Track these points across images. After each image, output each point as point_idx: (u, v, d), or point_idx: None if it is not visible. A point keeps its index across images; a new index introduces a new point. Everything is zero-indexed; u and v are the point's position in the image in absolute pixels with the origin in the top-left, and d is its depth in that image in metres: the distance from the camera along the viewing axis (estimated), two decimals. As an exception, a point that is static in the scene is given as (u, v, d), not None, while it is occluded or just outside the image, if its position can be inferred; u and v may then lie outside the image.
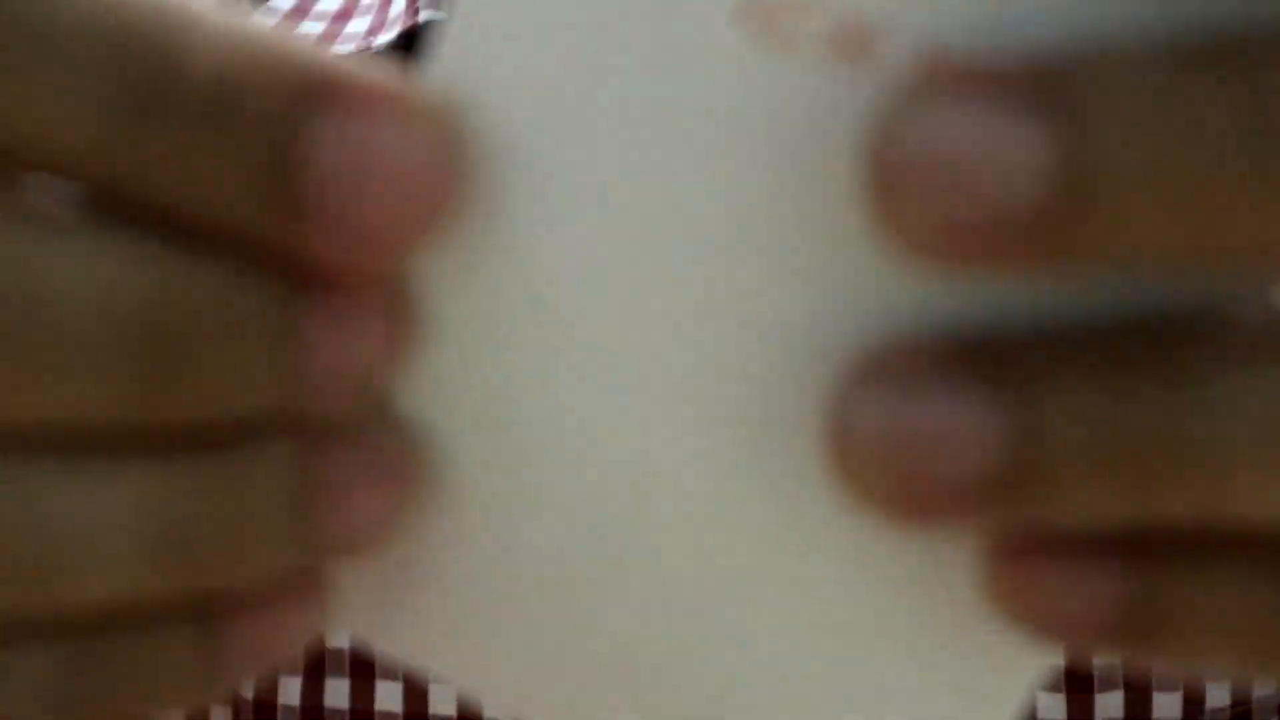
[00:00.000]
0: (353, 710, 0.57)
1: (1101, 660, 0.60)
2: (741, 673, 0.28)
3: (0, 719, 0.25)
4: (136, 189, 0.23)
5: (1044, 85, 0.22)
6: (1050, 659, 0.26)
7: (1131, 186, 0.21)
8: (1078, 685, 0.78)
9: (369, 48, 0.66)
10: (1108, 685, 0.78)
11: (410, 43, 0.70)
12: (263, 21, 0.24)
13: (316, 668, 0.58)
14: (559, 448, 0.27)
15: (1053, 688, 0.79)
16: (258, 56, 0.23)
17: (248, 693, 0.29)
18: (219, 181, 0.23)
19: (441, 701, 0.66)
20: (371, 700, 0.57)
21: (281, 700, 0.55)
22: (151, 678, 0.25)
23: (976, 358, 0.23)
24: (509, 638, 0.29)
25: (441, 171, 0.24)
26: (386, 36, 0.67)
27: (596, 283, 0.26)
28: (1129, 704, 0.78)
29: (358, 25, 0.68)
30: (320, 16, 0.72)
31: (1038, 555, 0.24)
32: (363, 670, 0.57)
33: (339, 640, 0.49)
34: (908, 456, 0.23)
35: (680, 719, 0.28)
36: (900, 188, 0.22)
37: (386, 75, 0.24)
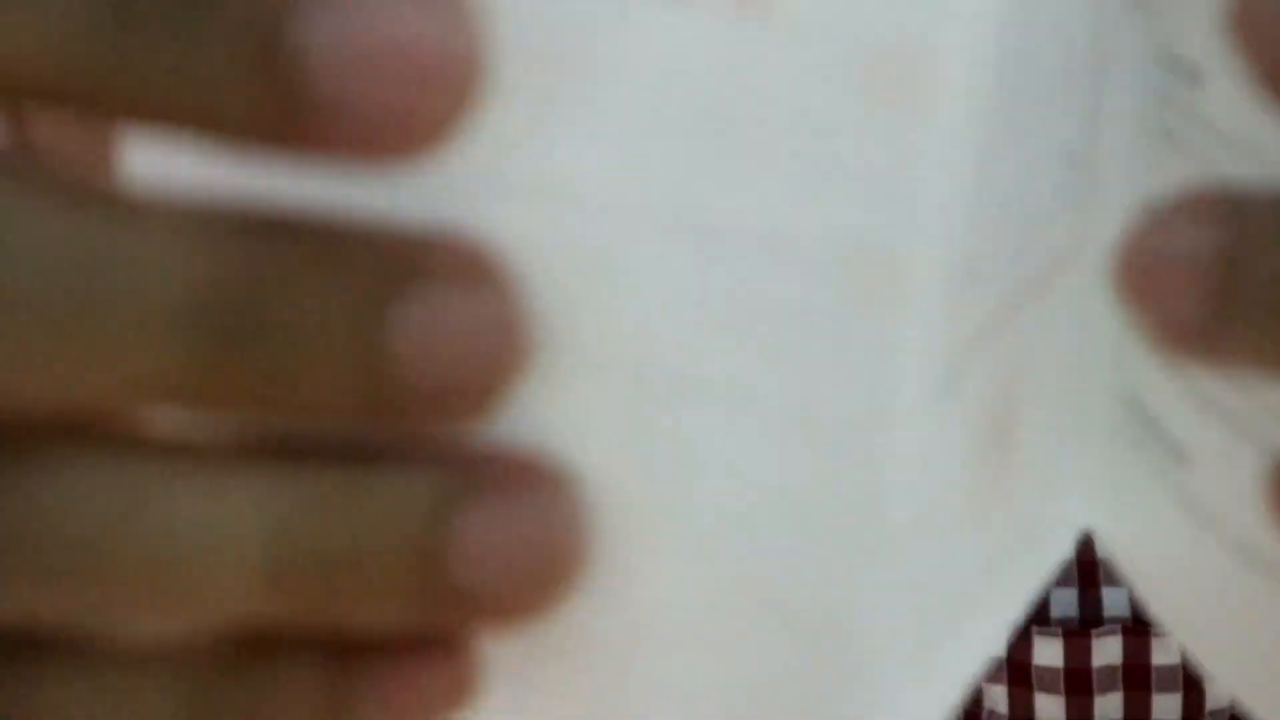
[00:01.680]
0: None
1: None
2: None
3: None
4: (122, 104, 0.21)
5: None
6: None
7: None
8: (1077, 687, 0.77)
9: None
10: (1107, 687, 0.77)
11: None
12: None
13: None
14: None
15: (1052, 689, 0.77)
16: None
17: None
18: (206, 76, 0.21)
19: None
20: None
21: None
22: None
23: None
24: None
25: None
26: None
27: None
28: (1128, 705, 0.77)
29: None
30: None
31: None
32: None
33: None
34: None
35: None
36: None
37: None
